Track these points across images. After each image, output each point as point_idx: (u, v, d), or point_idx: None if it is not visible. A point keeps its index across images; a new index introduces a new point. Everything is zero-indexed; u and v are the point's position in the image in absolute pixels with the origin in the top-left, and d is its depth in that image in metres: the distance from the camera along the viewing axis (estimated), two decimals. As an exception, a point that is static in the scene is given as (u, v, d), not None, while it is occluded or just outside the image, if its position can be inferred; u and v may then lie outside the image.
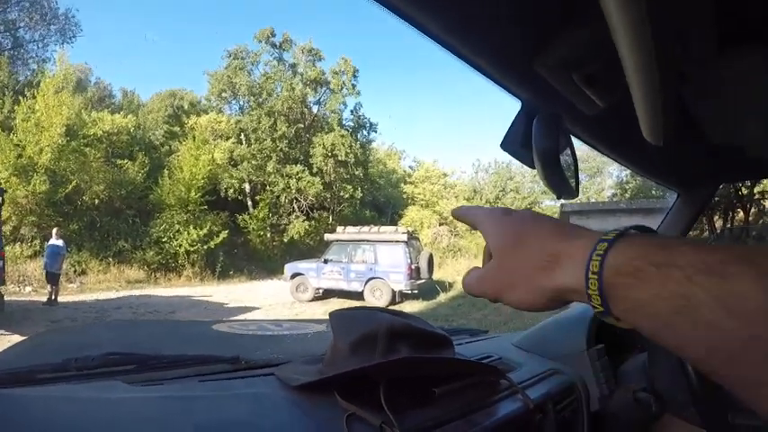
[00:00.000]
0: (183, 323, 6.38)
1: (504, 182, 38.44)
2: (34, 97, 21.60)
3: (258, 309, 14.28)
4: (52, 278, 14.52)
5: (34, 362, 1.35)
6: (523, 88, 1.13)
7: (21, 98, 21.53)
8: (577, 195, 1.21)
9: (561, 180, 1.11)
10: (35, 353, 1.78)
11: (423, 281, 16.65)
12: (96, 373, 1.31)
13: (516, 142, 1.15)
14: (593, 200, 31.89)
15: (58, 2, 29.59)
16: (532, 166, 1.12)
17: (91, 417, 1.04)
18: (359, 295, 16.26)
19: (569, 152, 1.17)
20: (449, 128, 71.87)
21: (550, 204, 37.18)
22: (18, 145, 20.45)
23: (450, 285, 18.94)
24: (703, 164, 1.99)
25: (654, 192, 25.70)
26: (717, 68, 1.02)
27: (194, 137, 27.35)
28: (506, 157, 38.99)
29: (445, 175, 40.18)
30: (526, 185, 38.73)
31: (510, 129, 1.17)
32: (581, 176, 32.02)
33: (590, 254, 0.52)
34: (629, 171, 30.33)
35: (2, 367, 1.30)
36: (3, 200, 11.79)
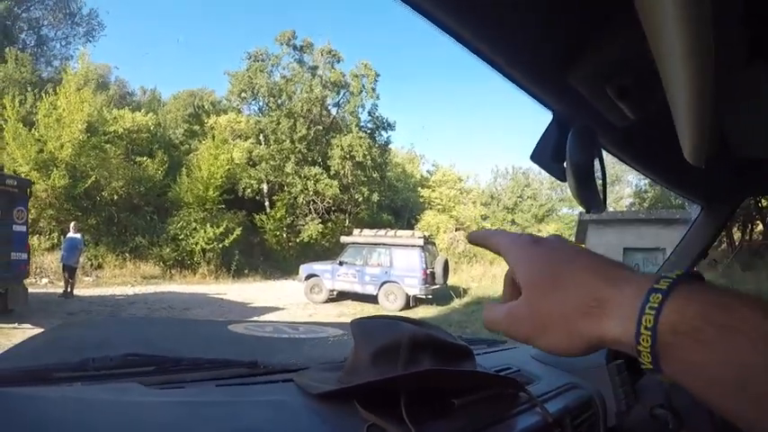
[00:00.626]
0: (199, 322, 6.41)
1: (522, 189, 38.44)
2: (56, 94, 21.89)
3: (273, 309, 14.26)
4: (69, 271, 14.72)
5: (50, 358, 1.37)
6: (556, 99, 1.10)
7: (43, 94, 21.84)
8: (605, 209, 1.17)
9: (592, 194, 1.08)
10: (50, 349, 1.78)
11: (437, 286, 16.62)
12: (114, 374, 1.31)
13: (547, 154, 1.13)
14: (612, 209, 31.67)
15: (82, 2, 30.26)
16: (563, 180, 1.09)
17: (108, 420, 1.02)
18: (373, 298, 16.26)
19: (599, 165, 1.13)
20: (469, 132, 71.92)
21: (567, 212, 37.20)
22: (39, 140, 20.74)
23: (465, 291, 18.96)
24: (729, 177, 1.94)
25: (673, 201, 25.49)
26: (746, 80, 0.99)
27: (214, 136, 27.60)
28: (524, 164, 38.54)
29: (461, 179, 40.19)
30: (543, 192, 38.76)
31: (541, 140, 1.15)
32: None
33: (642, 305, 0.46)
34: (647, 180, 30.21)
35: (18, 363, 1.31)
36: (30, 192, 11.97)
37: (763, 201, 19.45)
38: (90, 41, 30.54)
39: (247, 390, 1.33)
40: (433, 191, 37.63)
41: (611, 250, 11.53)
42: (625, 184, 38.09)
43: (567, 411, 1.44)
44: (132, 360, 1.38)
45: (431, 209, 36.64)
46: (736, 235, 22.30)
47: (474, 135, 72.98)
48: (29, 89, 23.48)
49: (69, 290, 14.58)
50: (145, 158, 25.73)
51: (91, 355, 1.34)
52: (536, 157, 1.16)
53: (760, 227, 21.56)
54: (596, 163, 1.11)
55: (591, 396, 1.65)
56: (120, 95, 32.10)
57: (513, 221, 37.28)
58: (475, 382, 1.29)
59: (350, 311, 15.26)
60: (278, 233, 28.35)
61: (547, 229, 35.34)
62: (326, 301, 16.93)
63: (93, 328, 3.21)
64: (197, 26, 56.26)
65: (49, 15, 29.86)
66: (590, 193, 1.08)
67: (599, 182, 1.12)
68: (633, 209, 31.96)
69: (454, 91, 69.35)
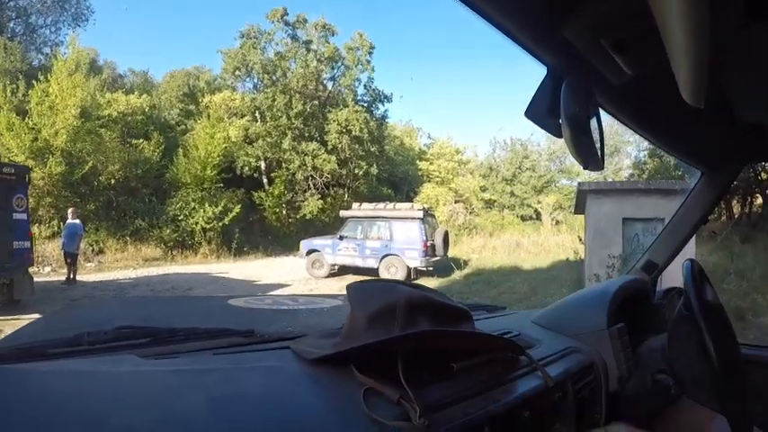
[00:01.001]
0: (199, 298, 6.45)
1: (520, 160, 38.11)
2: (48, 81, 21.62)
3: (277, 286, 14.29)
4: (71, 258, 14.72)
5: (48, 338, 1.36)
6: (551, 53, 1.09)
7: (34, 82, 21.56)
8: (603, 167, 1.20)
9: (589, 149, 1.10)
10: (49, 330, 1.79)
11: (438, 258, 16.65)
12: (109, 347, 1.33)
13: (542, 110, 1.12)
14: (611, 179, 31.54)
15: None
16: (559, 135, 1.10)
17: (102, 391, 1.03)
18: (374, 272, 16.23)
19: (596, 124, 1.13)
20: (467, 104, 71.35)
21: (567, 183, 36.99)
22: (33, 128, 20.54)
23: (466, 263, 19.05)
24: (729, 142, 1.96)
25: (672, 173, 25.39)
26: (744, 43, 0.98)
27: (209, 115, 27.28)
28: (522, 135, 38.26)
29: (458, 151, 39.96)
30: (542, 164, 38.50)
31: (535, 96, 1.14)
32: None
33: None
34: (647, 152, 30.11)
35: (16, 344, 1.33)
36: (29, 179, 11.91)
37: (762, 174, 19.50)
38: (79, 26, 30.36)
39: (243, 357, 1.33)
40: (432, 163, 37.45)
41: (610, 220, 11.55)
42: (624, 155, 37.87)
43: (567, 375, 1.46)
44: (126, 333, 1.40)
45: (429, 181, 36.53)
46: (736, 207, 22.36)
47: (472, 107, 72.39)
48: (20, 78, 23.20)
49: (72, 276, 14.61)
50: (141, 141, 25.44)
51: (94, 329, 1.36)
52: (530, 113, 1.15)
53: (759, 200, 21.60)
54: (593, 122, 1.11)
55: (592, 361, 1.67)
56: (112, 78, 31.84)
57: (511, 193, 36.96)
58: (473, 343, 1.30)
59: (352, 286, 15.38)
60: (277, 210, 28.32)
61: (546, 201, 35.34)
62: (328, 276, 16.98)
63: (91, 308, 3.23)
64: (188, 5, 55.40)
65: (37, 3, 29.58)
66: (586, 148, 1.09)
67: (596, 139, 1.13)
68: (632, 179, 31.92)
69: (451, 63, 68.68)
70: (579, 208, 15.17)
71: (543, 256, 21.20)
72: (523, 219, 36.14)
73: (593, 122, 1.11)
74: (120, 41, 52.16)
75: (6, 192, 10.70)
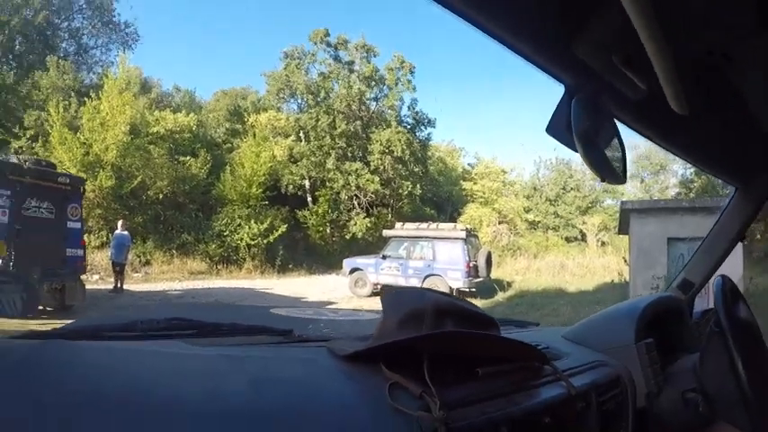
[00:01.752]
0: (243, 306, 6.64)
1: (565, 180, 37.80)
2: (99, 98, 22.57)
3: (320, 304, 14.39)
4: (118, 267, 15.27)
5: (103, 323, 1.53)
6: (565, 72, 1.14)
7: (86, 99, 22.57)
8: (625, 181, 1.23)
9: (604, 162, 1.13)
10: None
11: (481, 279, 16.59)
12: (159, 335, 1.45)
13: (560, 126, 1.16)
14: (656, 198, 30.93)
15: (118, 12, 31.89)
16: (575, 150, 1.13)
17: (151, 367, 1.11)
18: (416, 292, 16.14)
19: (617, 141, 1.18)
20: (510, 124, 71.02)
21: (612, 204, 36.41)
22: (84, 143, 21.44)
23: (509, 285, 18.85)
24: (761, 155, 1.93)
25: (720, 191, 24.81)
26: (762, 50, 1.02)
27: (254, 134, 27.96)
28: (567, 155, 38.12)
29: (504, 171, 39.73)
30: (587, 183, 37.81)
31: (554, 113, 1.19)
32: (643, 174, 31.10)
33: None
34: (693, 169, 29.50)
35: None
36: (83, 189, 12.32)
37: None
38: (129, 48, 31.74)
39: (280, 350, 1.45)
40: (476, 183, 37.30)
41: (654, 240, 11.37)
42: (670, 173, 37.18)
43: (593, 387, 1.45)
44: (176, 323, 1.55)
45: (473, 202, 36.35)
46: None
47: (516, 126, 72.00)
48: (72, 95, 24.30)
49: (119, 285, 15.11)
50: (188, 158, 26.25)
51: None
52: (551, 129, 1.20)
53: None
54: (612, 136, 1.18)
55: (619, 374, 1.66)
56: (160, 98, 32.87)
57: (556, 214, 36.57)
58: (498, 348, 1.32)
59: (394, 305, 15.34)
60: (321, 228, 28.60)
61: (591, 222, 34.86)
62: (370, 295, 16.98)
63: (141, 309, 3.42)
64: (234, 27, 56.63)
65: (88, 25, 31.11)
66: (600, 161, 1.12)
67: (616, 153, 1.17)
68: (679, 198, 31.29)
69: (495, 83, 68.57)
70: (623, 228, 14.97)
71: (588, 279, 20.89)
72: (568, 240, 35.71)
73: (612, 136, 1.17)
74: (166, 61, 53.53)
75: (61, 201, 11.08)
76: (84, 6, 30.83)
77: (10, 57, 26.77)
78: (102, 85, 23.58)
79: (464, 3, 0.90)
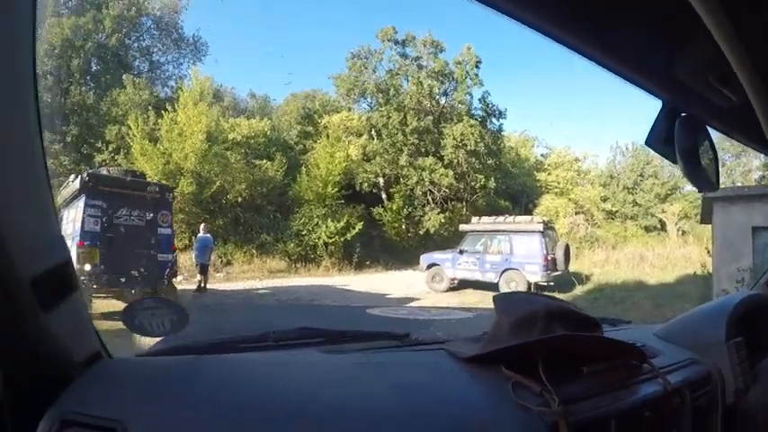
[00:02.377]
0: (336, 307, 6.84)
1: (642, 166, 36.24)
2: (175, 110, 23.89)
3: (400, 298, 14.45)
4: (202, 268, 15.77)
5: (237, 335, 1.65)
6: (664, 90, 1.24)
7: (163, 112, 23.87)
8: (718, 188, 1.35)
9: (701, 173, 1.23)
10: (220, 327, 2.07)
11: (559, 273, 16.21)
12: (290, 344, 1.61)
13: (659, 140, 1.27)
14: (739, 183, 29.33)
15: (184, 28, 33.33)
16: (675, 162, 1.24)
17: (295, 377, 1.26)
18: (494, 286, 15.88)
19: (712, 153, 1.28)
20: (583, 111, 68.62)
21: (691, 190, 34.66)
22: (164, 153, 22.66)
23: (587, 278, 18.34)
24: None
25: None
26: None
27: (328, 135, 28.48)
28: (643, 139, 37.05)
29: (577, 160, 38.63)
30: (665, 170, 35.69)
31: (653, 127, 1.29)
32: (725, 156, 29.36)
33: None
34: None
35: (200, 337, 1.58)
36: (172, 197, 12.86)
37: None
38: (198, 60, 33.16)
39: (404, 355, 1.58)
40: (549, 174, 36.37)
41: (739, 230, 10.77)
42: (753, 155, 34.99)
43: (686, 384, 1.51)
44: (305, 332, 1.70)
45: (548, 193, 35.46)
46: None
47: (589, 113, 69.49)
48: (149, 109, 25.51)
49: (203, 285, 15.62)
50: (264, 161, 27.07)
51: (255, 330, 1.66)
52: (649, 141, 1.30)
53: None
54: (706, 144, 1.27)
55: (710, 372, 1.70)
56: (234, 105, 33.97)
57: (634, 202, 35.19)
58: (604, 349, 1.40)
59: (471, 300, 15.29)
60: (396, 225, 28.63)
61: (671, 210, 33.31)
62: (447, 290, 16.96)
63: (245, 311, 3.63)
64: (297, 30, 57.20)
65: (157, 43, 32.80)
66: (699, 174, 1.22)
67: (710, 161, 1.27)
68: (764, 182, 29.65)
69: (564, 70, 66.51)
70: (705, 217, 14.27)
71: (669, 271, 20.07)
72: (647, 230, 34.16)
73: (709, 151, 1.25)
74: (235, 69, 54.78)
75: (152, 209, 11.64)
76: (152, 27, 32.55)
77: (88, 78, 28.31)
78: (178, 97, 24.93)
79: (568, 32, 0.98)
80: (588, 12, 0.95)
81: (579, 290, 16.20)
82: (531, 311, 1.35)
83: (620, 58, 1.09)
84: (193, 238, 17.95)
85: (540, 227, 16.27)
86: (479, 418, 1.13)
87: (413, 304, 13.12)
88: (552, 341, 1.26)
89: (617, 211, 35.25)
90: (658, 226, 34.36)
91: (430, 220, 29.13)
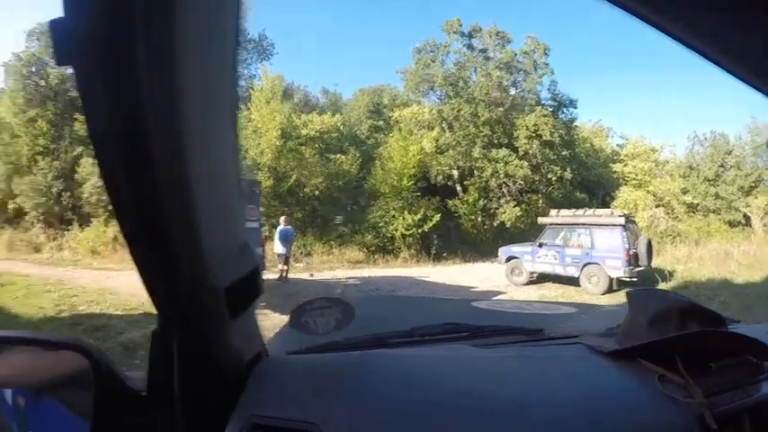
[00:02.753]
0: (439, 300, 6.97)
1: (723, 156, 34.16)
2: (248, 109, 24.96)
3: (493, 292, 14.60)
4: (283, 258, 16.38)
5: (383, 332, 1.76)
6: None
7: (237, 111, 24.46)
8: None
9: None
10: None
11: (641, 268, 15.72)
12: (436, 339, 1.70)
13: None
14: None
15: (249, 30, 33.58)
16: None
17: (449, 371, 1.32)
18: (575, 281, 15.87)
19: None
20: (657, 97, 65.85)
21: (776, 182, 32.69)
22: (241, 149, 22.93)
23: (670, 275, 17.74)
24: None
25: None
26: None
27: (400, 129, 28.88)
28: (722, 128, 34.28)
29: (654, 150, 37.13)
30: (748, 160, 33.85)
31: None
32: None
33: None
34: None
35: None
36: (259, 191, 13.12)
37: None
38: (266, 59, 34.02)
39: (545, 349, 1.61)
40: (626, 165, 35.13)
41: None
42: None
43: None
44: (449, 328, 1.79)
45: (626, 184, 34.18)
46: None
47: (665, 100, 66.55)
48: (224, 108, 26.49)
49: (285, 275, 16.25)
50: (338, 156, 27.79)
51: (382, 327, 1.79)
52: None
53: None
54: None
55: None
56: (304, 101, 34.62)
57: (716, 195, 33.04)
58: (737, 345, 1.44)
59: (552, 294, 15.26)
60: (472, 217, 28.57)
61: (756, 203, 31.34)
62: (527, 284, 16.92)
63: (368, 304, 3.77)
64: (363, 27, 57.41)
65: None
66: None
67: None
68: None
69: (638, 57, 64.11)
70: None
71: (757, 269, 19.03)
72: (731, 224, 32.12)
73: None
74: (312, 67, 55.73)
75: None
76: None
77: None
78: (250, 96, 25.84)
79: (685, 29, 1.01)
80: None
81: (663, 286, 15.42)
82: (666, 308, 1.42)
83: (735, 54, 1.09)
84: (273, 230, 18.48)
85: (622, 220, 15.90)
86: (634, 409, 1.18)
87: (498, 297, 13.14)
88: (691, 337, 1.32)
89: (698, 205, 33.33)
90: (743, 221, 32.35)
91: (506, 212, 28.82)
